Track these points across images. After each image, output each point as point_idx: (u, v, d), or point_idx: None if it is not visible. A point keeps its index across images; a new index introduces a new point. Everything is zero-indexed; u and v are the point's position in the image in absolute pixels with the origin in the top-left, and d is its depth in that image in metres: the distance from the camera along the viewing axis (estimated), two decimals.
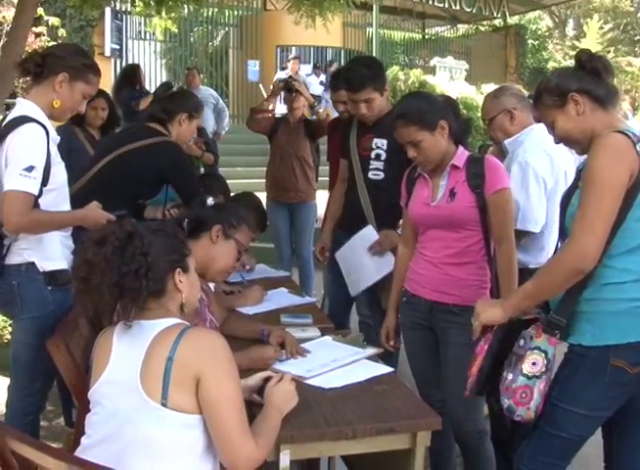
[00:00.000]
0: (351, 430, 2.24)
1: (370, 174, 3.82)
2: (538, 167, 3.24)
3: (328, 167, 4.98)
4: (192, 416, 1.91)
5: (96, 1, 7.32)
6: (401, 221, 3.61)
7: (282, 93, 5.95)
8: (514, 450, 3.00)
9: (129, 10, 9.60)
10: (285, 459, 2.16)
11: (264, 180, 6.10)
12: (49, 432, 3.72)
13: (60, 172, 2.85)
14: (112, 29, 15.52)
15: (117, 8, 15.04)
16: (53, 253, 2.85)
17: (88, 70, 2.94)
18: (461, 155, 2.94)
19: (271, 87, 6.19)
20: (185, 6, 8.48)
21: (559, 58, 29.03)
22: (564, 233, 2.46)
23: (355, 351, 2.87)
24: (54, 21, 10.18)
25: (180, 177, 3.69)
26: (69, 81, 2.86)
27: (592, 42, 26.09)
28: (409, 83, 16.46)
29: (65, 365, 2.47)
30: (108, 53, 15.52)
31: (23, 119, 2.72)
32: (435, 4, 21.68)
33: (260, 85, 15.49)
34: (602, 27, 29.50)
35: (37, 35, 9.68)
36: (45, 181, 2.71)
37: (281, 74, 10.82)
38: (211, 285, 3.22)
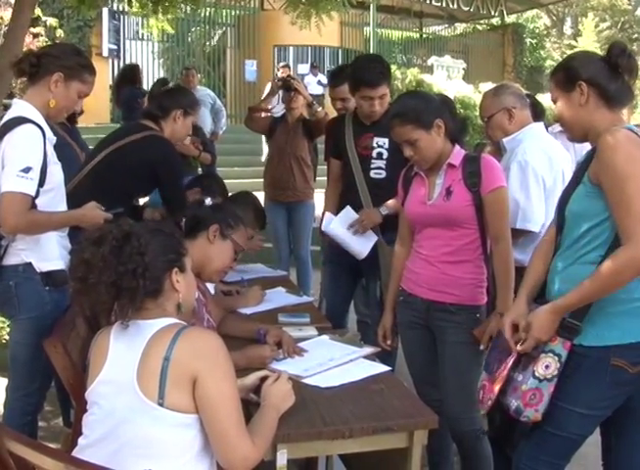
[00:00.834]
0: (348, 429, 2.24)
1: (372, 174, 3.82)
2: (538, 167, 3.25)
3: (326, 167, 4.97)
4: (189, 416, 1.92)
5: (93, 1, 7.31)
6: (388, 202, 3.64)
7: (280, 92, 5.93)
8: (511, 449, 3.01)
9: (127, 10, 9.58)
10: (282, 458, 2.16)
11: (262, 180, 6.10)
12: (47, 432, 3.72)
13: (56, 173, 2.85)
14: (109, 30, 15.53)
15: (115, 8, 15.04)
16: (50, 253, 2.85)
17: (83, 69, 2.94)
18: (457, 153, 2.94)
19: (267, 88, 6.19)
20: (182, 6, 8.47)
21: (557, 56, 29.05)
22: (561, 229, 2.45)
23: (352, 350, 2.87)
24: (51, 21, 10.20)
25: (169, 173, 3.65)
26: (65, 81, 2.86)
27: (589, 40, 26.12)
28: (407, 82, 16.50)
29: (62, 365, 2.47)
30: (105, 53, 15.53)
31: (20, 120, 2.72)
32: (433, 3, 21.71)
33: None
34: (599, 26, 29.55)
35: (35, 36, 9.70)
36: (42, 182, 2.71)
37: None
38: (211, 286, 3.23)
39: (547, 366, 2.29)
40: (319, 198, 5.15)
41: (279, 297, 3.75)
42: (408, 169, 3.13)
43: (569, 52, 23.34)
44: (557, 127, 5.10)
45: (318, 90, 14.71)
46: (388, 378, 2.66)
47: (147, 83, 11.65)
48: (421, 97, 3.06)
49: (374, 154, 3.79)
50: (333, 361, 2.73)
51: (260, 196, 5.50)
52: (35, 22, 9.80)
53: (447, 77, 18.68)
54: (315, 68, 17.15)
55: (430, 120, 2.88)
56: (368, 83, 3.74)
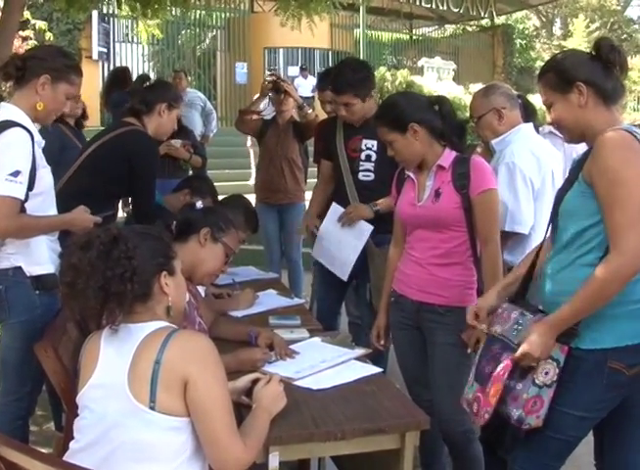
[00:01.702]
0: (340, 430, 2.24)
1: (360, 176, 3.83)
2: (526, 169, 3.25)
3: (316, 169, 4.98)
4: (180, 419, 1.91)
5: (83, 4, 7.31)
6: (380, 200, 3.65)
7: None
8: (503, 450, 3.01)
9: (116, 13, 9.58)
10: (274, 460, 2.16)
11: (253, 182, 6.10)
12: (39, 437, 3.70)
13: (45, 176, 2.84)
14: (99, 33, 15.52)
15: (105, 11, 15.02)
16: (40, 257, 2.84)
17: (70, 70, 2.93)
18: (447, 155, 2.95)
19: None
20: (172, 9, 8.47)
21: (546, 57, 29.05)
22: (555, 229, 2.45)
23: (344, 351, 2.87)
24: (41, 24, 10.15)
25: (142, 165, 3.60)
26: (52, 83, 2.85)
27: (579, 41, 26.18)
28: (396, 84, 16.51)
29: (53, 370, 2.47)
30: (95, 56, 15.51)
31: (7, 124, 2.71)
32: (423, 4, 21.75)
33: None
34: (588, 26, 29.64)
35: (24, 39, 9.66)
36: (31, 185, 2.70)
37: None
38: (201, 289, 3.22)
39: (547, 372, 2.26)
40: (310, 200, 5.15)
41: (270, 299, 3.75)
42: (402, 170, 3.14)
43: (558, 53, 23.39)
44: (547, 128, 5.12)
45: (308, 92, 14.72)
46: (380, 379, 2.66)
47: None
48: (403, 99, 3.07)
49: (362, 156, 3.81)
50: (324, 363, 2.73)
51: (251, 199, 5.51)
52: (24, 25, 9.75)
53: (437, 79, 18.71)
54: (304, 70, 17.16)
55: (404, 124, 2.91)
56: (332, 88, 3.84)
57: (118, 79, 8.53)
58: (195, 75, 18.14)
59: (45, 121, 3.05)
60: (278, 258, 6.10)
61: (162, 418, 1.89)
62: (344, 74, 3.76)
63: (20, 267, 2.80)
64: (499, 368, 2.32)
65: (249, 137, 8.54)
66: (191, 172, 6.63)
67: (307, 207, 4.24)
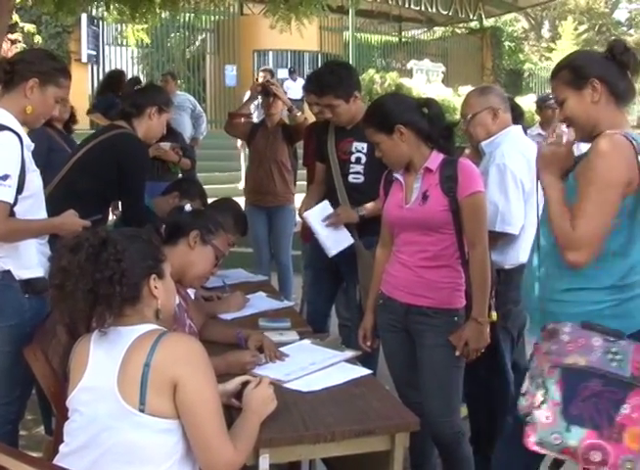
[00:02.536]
0: (330, 432, 2.24)
1: (350, 178, 3.84)
2: (516, 170, 3.27)
3: (305, 172, 4.99)
4: (170, 421, 1.92)
5: (71, 7, 7.30)
6: (367, 205, 3.66)
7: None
8: (493, 451, 3.02)
9: (105, 17, 9.56)
10: (264, 463, 2.17)
11: (242, 185, 6.11)
12: (29, 441, 3.69)
13: (35, 180, 2.84)
14: (88, 36, 15.47)
15: (94, 14, 14.98)
16: (29, 260, 2.83)
17: (58, 73, 2.93)
18: (435, 158, 2.96)
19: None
20: (161, 12, 8.46)
21: (535, 59, 29.26)
22: (545, 227, 2.48)
23: (334, 354, 2.87)
24: (29, 27, 10.15)
25: (131, 167, 3.60)
26: (40, 86, 2.85)
27: (567, 43, 26.30)
28: (386, 86, 16.56)
29: (42, 373, 2.46)
30: (84, 59, 15.46)
31: None
32: (412, 7, 21.81)
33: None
34: (577, 29, 29.79)
35: (13, 42, 9.64)
36: (20, 189, 2.70)
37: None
38: (191, 291, 3.22)
39: None
40: (299, 202, 5.16)
41: (260, 301, 3.75)
42: (389, 172, 3.15)
43: (547, 55, 23.57)
44: (535, 130, 5.15)
45: (297, 95, 14.71)
46: (370, 381, 2.67)
47: None
48: (389, 101, 3.09)
49: (352, 158, 3.82)
50: (314, 365, 2.73)
51: (240, 202, 5.51)
52: (13, 28, 9.74)
53: (427, 81, 18.76)
54: (293, 73, 17.16)
55: (390, 126, 2.92)
56: (313, 90, 3.85)
57: (113, 82, 8.54)
58: (184, 78, 18.11)
59: (34, 125, 3.04)
60: (267, 261, 6.11)
61: (152, 421, 1.89)
62: (323, 77, 3.78)
63: (9, 271, 2.79)
64: (626, 410, 2.08)
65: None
66: (180, 175, 6.64)
67: (298, 207, 4.24)
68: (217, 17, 18.78)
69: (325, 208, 3.85)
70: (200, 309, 3.18)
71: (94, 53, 15.88)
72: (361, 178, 3.80)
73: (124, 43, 15.69)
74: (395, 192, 3.06)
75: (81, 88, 13.77)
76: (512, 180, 3.25)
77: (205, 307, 3.42)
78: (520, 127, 3.57)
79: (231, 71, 18.36)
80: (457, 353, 2.89)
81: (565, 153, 2.35)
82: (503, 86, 19.63)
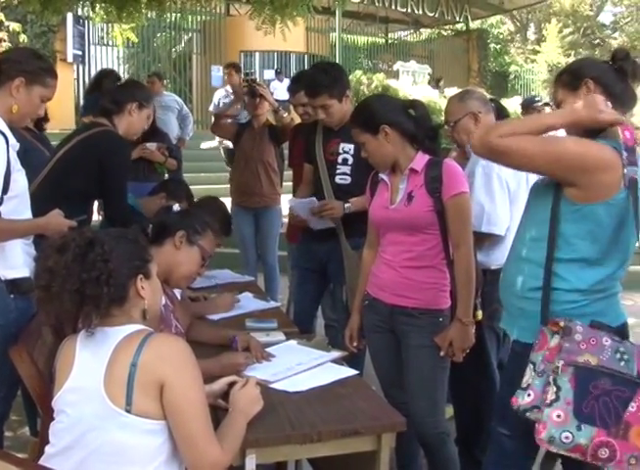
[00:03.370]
0: (317, 433, 2.25)
1: (337, 179, 3.84)
2: (502, 171, 3.28)
3: (292, 173, 4.99)
4: (157, 422, 1.92)
5: (57, 7, 7.26)
6: (353, 199, 3.66)
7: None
8: (479, 450, 3.04)
9: (91, 16, 9.52)
10: (251, 463, 2.17)
11: (228, 185, 6.10)
12: (14, 442, 3.67)
13: (20, 180, 2.82)
14: (73, 35, 15.40)
15: (79, 13, 14.92)
16: (15, 260, 2.82)
17: (45, 73, 2.91)
18: (420, 159, 2.97)
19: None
20: (147, 12, 8.43)
21: (520, 61, 29.37)
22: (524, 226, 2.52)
23: (320, 354, 2.88)
24: (15, 26, 10.07)
25: (112, 164, 3.55)
26: (26, 86, 2.83)
27: (553, 46, 26.43)
28: (372, 87, 16.58)
29: (28, 374, 2.45)
30: (70, 59, 15.40)
31: None
32: (398, 9, 21.86)
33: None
34: (562, 31, 29.95)
35: None
36: (5, 189, 2.68)
37: (220, 92, 10.32)
38: (177, 292, 3.22)
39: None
40: (286, 203, 5.17)
41: (246, 302, 3.75)
42: (376, 173, 3.16)
43: (532, 57, 23.67)
44: None
45: (284, 96, 14.72)
46: (356, 381, 2.67)
47: None
48: (377, 102, 3.11)
49: (339, 159, 3.82)
50: (301, 366, 2.74)
51: (227, 202, 5.50)
52: None
53: (413, 82, 18.80)
54: (280, 73, 17.16)
55: (375, 126, 2.94)
56: (306, 92, 3.87)
57: (103, 82, 8.51)
58: (170, 78, 18.07)
59: (20, 124, 3.03)
60: (254, 262, 6.10)
61: (139, 421, 1.89)
62: (317, 77, 3.77)
63: None
64: (633, 408, 2.12)
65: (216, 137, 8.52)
66: (166, 176, 6.62)
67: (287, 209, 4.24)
68: (204, 17, 18.76)
69: (312, 202, 3.85)
70: (186, 310, 3.17)
71: (80, 53, 15.82)
72: (348, 179, 3.81)
73: (110, 43, 15.68)
74: (381, 192, 3.07)
75: (67, 88, 13.73)
76: (497, 181, 3.27)
77: (192, 308, 3.41)
78: None
79: (217, 72, 18.31)
80: (442, 354, 2.90)
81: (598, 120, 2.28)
82: (489, 88, 19.76)
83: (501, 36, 29.43)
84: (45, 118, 5.18)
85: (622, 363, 2.15)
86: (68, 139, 3.70)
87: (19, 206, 2.82)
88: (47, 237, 2.70)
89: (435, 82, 18.75)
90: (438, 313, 2.94)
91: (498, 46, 27.11)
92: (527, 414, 2.20)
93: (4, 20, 9.67)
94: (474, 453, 3.29)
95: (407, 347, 2.99)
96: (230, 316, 3.49)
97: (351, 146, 3.75)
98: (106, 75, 8.79)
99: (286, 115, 5.62)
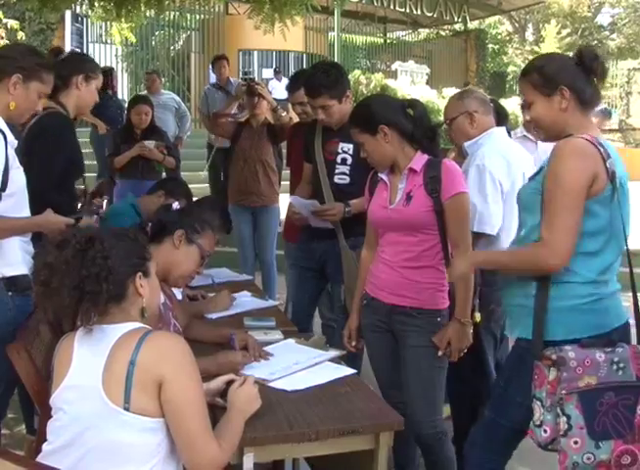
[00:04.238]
0: (314, 432, 2.25)
1: (336, 179, 3.84)
2: (495, 171, 3.29)
3: (289, 172, 4.99)
4: (155, 420, 1.91)
5: (56, 4, 7.26)
6: (353, 201, 3.66)
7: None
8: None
9: (89, 14, 9.50)
10: (248, 462, 2.17)
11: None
12: (10, 440, 3.67)
13: (18, 177, 2.81)
14: (72, 33, 15.41)
15: (78, 11, 14.91)
16: (13, 258, 2.81)
17: (41, 68, 2.90)
18: (419, 159, 2.97)
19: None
20: (146, 10, 8.42)
21: (519, 62, 29.39)
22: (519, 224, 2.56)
23: (318, 353, 2.88)
24: (13, 24, 10.04)
25: (41, 145, 3.26)
26: (23, 82, 2.83)
27: (551, 47, 26.44)
28: (371, 87, 16.59)
29: (26, 371, 2.44)
30: None
31: None
32: (397, 9, 21.85)
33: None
34: (560, 32, 29.97)
35: None
36: (4, 187, 2.68)
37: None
38: (177, 291, 3.22)
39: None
40: (284, 202, 5.16)
41: (245, 301, 3.75)
42: (375, 173, 3.16)
43: (531, 58, 23.67)
44: (519, 132, 5.18)
45: (282, 95, 14.72)
46: (354, 381, 2.68)
47: (121, 91, 11.56)
48: (374, 102, 3.11)
49: (338, 159, 3.82)
50: (298, 365, 2.74)
51: None
52: None
53: (411, 82, 18.81)
54: (278, 73, 17.16)
55: (373, 126, 2.94)
56: (307, 92, 3.85)
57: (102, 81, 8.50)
58: (169, 77, 18.05)
59: (18, 120, 3.02)
60: (252, 261, 6.11)
61: (137, 419, 1.89)
62: (317, 78, 3.77)
63: None
64: None
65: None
66: (164, 174, 6.63)
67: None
68: (202, 16, 18.74)
69: (313, 204, 3.85)
70: (184, 309, 3.17)
71: (78, 50, 15.79)
72: (347, 179, 3.80)
73: (108, 41, 15.64)
74: (380, 192, 3.07)
75: None
76: (490, 181, 3.27)
77: (191, 307, 3.41)
78: (503, 129, 3.60)
79: None
80: (440, 354, 2.90)
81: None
82: (487, 89, 19.75)
83: (499, 37, 29.47)
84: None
85: (620, 373, 2.22)
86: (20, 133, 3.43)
87: (17, 203, 2.81)
88: (45, 235, 2.70)
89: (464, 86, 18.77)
90: (437, 313, 2.94)
91: (496, 47, 27.16)
92: (550, 447, 2.26)
93: (2, 17, 9.64)
94: None
95: (405, 346, 2.99)
96: (228, 315, 3.49)
97: (351, 146, 3.75)
98: (104, 73, 8.79)
99: (284, 114, 5.62)
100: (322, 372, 2.70)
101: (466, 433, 3.40)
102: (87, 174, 3.82)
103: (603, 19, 38.91)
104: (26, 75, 2.84)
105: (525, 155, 3.59)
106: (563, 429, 2.20)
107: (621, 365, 2.22)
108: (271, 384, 2.56)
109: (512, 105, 13.07)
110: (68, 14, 14.54)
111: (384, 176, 3.05)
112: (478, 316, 3.02)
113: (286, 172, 5.51)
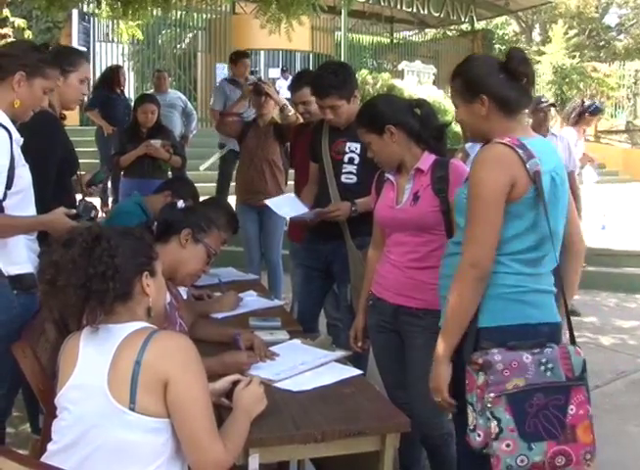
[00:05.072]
0: (320, 433, 2.24)
1: (343, 178, 3.84)
2: None
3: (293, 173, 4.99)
4: (160, 420, 1.91)
5: (63, 3, 7.26)
6: (360, 200, 3.64)
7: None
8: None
9: (96, 12, 9.53)
10: (254, 462, 2.16)
11: (233, 183, 6.10)
12: (15, 438, 3.66)
13: (24, 175, 2.81)
14: (79, 31, 15.41)
15: (85, 10, 14.92)
16: (18, 256, 2.81)
17: (45, 64, 2.90)
18: (426, 159, 2.96)
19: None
20: (152, 9, 8.43)
21: None
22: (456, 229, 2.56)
23: (324, 353, 2.87)
24: (20, 22, 10.07)
25: (35, 148, 3.06)
26: (27, 79, 2.82)
27: (558, 47, 26.36)
28: (378, 87, 16.57)
29: (31, 370, 2.44)
30: None
31: None
32: (404, 8, 21.82)
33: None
34: (567, 33, 29.88)
35: (2, 37, 9.58)
36: (9, 184, 2.67)
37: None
38: (183, 290, 3.21)
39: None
40: None
41: (250, 300, 3.75)
42: (382, 173, 3.15)
43: (537, 58, 23.66)
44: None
45: (289, 94, 14.72)
46: (360, 381, 2.67)
47: (127, 90, 11.56)
48: (380, 101, 3.12)
49: (345, 159, 3.81)
50: (304, 365, 2.73)
51: (231, 200, 5.50)
52: (3, 22, 9.69)
53: (418, 82, 18.78)
54: (285, 72, 17.16)
55: (380, 126, 2.95)
56: (315, 92, 3.85)
57: (108, 78, 8.54)
58: (175, 76, 18.06)
59: (23, 118, 3.01)
60: (258, 260, 6.10)
61: (142, 419, 1.88)
62: (326, 78, 3.76)
63: None
64: (572, 410, 2.23)
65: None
66: (170, 173, 6.63)
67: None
68: (209, 15, 18.73)
69: (315, 213, 3.83)
70: (191, 308, 3.17)
71: (85, 49, 15.80)
72: (354, 178, 3.80)
73: (115, 39, 15.66)
74: (387, 192, 3.06)
75: None
76: None
77: (197, 307, 3.40)
78: None
79: (222, 70, 18.31)
80: None
81: None
82: None
83: (506, 37, 29.41)
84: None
85: (549, 373, 2.22)
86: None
87: (23, 201, 2.81)
88: (51, 234, 2.69)
89: None
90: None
91: (503, 47, 27.05)
92: (484, 451, 2.23)
93: (9, 16, 9.67)
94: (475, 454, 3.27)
95: (411, 347, 2.97)
96: (234, 315, 3.48)
97: (358, 145, 3.74)
98: (110, 71, 8.82)
99: (292, 112, 5.61)
100: (328, 373, 2.70)
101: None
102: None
103: (610, 19, 38.85)
104: (30, 72, 2.83)
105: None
106: (494, 432, 2.19)
107: (550, 366, 2.22)
108: (277, 384, 2.56)
109: None
110: (75, 12, 14.55)
111: (390, 176, 3.04)
112: None
113: (292, 172, 5.51)
